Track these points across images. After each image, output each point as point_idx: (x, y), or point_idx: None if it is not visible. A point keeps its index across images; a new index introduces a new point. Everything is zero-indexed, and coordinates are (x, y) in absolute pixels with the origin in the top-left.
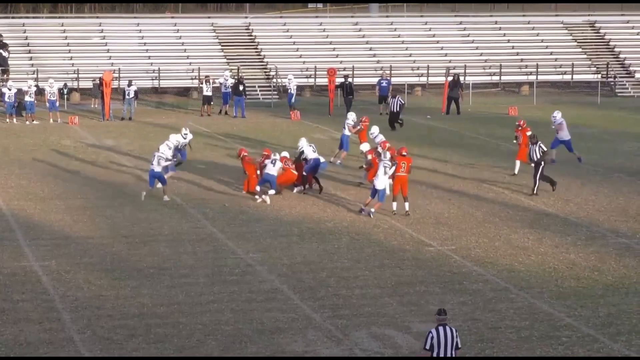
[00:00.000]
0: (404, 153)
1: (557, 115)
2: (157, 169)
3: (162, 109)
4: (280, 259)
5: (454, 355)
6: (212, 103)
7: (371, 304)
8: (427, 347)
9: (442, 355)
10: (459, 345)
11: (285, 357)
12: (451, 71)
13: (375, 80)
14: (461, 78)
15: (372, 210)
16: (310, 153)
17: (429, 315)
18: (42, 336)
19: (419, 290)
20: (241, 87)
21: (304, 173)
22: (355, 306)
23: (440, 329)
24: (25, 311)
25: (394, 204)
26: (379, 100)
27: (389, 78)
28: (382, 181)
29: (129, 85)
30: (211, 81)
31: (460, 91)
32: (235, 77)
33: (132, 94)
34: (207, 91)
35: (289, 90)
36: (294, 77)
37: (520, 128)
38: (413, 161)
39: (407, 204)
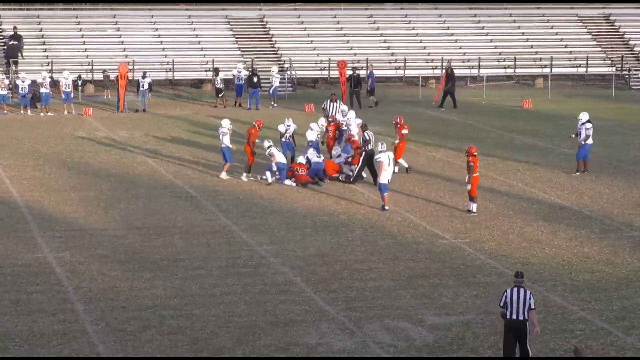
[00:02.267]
0: (475, 153)
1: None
2: (222, 144)
3: (177, 100)
4: (293, 251)
5: (526, 317)
6: (222, 95)
7: (385, 297)
8: (502, 304)
9: (514, 313)
10: (532, 307)
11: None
12: (444, 64)
13: (388, 72)
14: (475, 71)
15: (386, 207)
16: (314, 157)
17: (442, 308)
18: (55, 327)
19: (432, 282)
20: (255, 79)
21: (309, 175)
22: (369, 299)
23: (515, 289)
24: (39, 302)
25: (474, 205)
26: (367, 93)
27: (372, 71)
28: (386, 174)
29: (143, 77)
30: (219, 74)
31: (452, 84)
32: (249, 69)
33: (146, 86)
34: (219, 84)
35: (272, 83)
36: (277, 72)
37: (398, 125)
38: (428, 154)
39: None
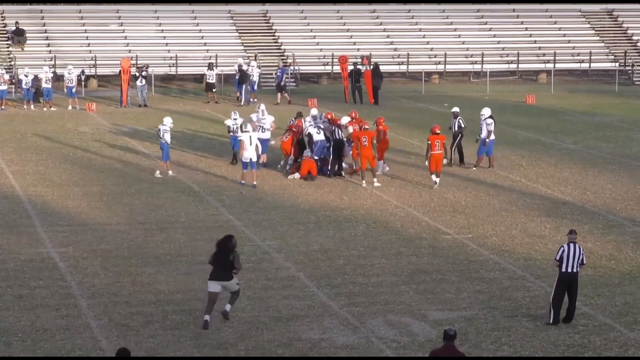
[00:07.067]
0: (438, 132)
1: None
2: (162, 140)
3: (179, 96)
4: (297, 247)
5: (577, 270)
6: (214, 90)
7: (387, 292)
8: (557, 258)
9: (569, 266)
10: (584, 262)
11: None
12: (372, 60)
13: (392, 68)
14: (478, 66)
15: (254, 182)
16: (315, 134)
17: (445, 303)
18: (58, 322)
19: (435, 278)
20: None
21: (315, 157)
22: (372, 294)
23: (571, 245)
24: (42, 297)
25: (436, 179)
26: (276, 89)
27: (284, 68)
28: (250, 152)
29: (138, 72)
30: (214, 68)
31: (380, 80)
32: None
33: (143, 81)
34: (211, 78)
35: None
36: (257, 66)
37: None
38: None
39: (437, 179)
